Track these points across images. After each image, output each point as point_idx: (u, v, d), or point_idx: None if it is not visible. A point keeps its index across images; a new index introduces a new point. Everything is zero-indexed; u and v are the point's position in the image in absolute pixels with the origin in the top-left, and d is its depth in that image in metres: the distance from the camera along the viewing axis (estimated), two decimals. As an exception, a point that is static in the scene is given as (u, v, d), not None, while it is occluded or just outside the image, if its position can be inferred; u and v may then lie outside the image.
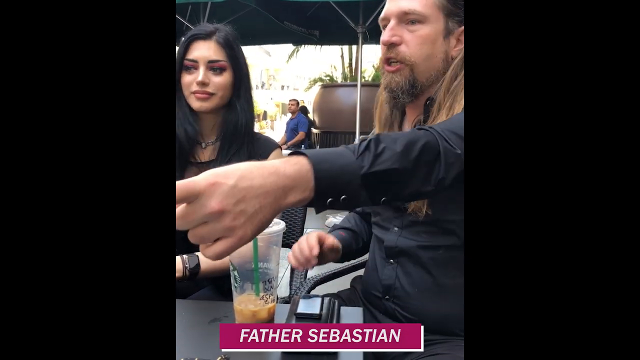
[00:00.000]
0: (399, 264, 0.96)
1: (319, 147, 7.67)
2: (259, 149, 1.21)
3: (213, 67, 1.15)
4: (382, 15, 0.95)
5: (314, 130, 7.71)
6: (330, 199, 0.59)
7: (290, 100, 8.19)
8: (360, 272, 1.26)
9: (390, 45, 0.92)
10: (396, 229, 0.97)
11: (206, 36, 1.16)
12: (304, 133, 7.61)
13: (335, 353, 0.71)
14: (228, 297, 0.90)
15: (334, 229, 1.17)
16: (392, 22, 0.92)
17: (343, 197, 0.59)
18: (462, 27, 0.91)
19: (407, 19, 0.90)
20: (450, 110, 0.88)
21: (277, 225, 0.80)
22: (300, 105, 8.33)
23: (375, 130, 1.07)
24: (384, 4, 0.95)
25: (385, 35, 0.92)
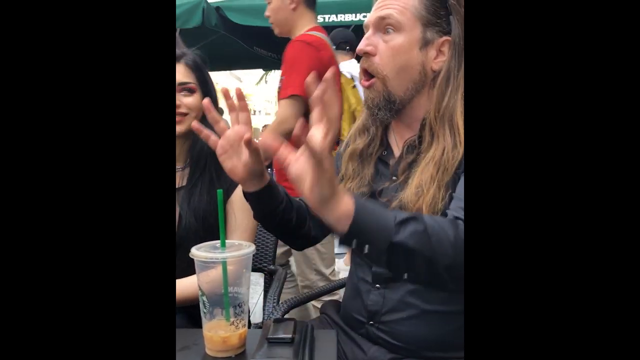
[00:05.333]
0: (387, 289, 0.93)
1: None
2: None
3: (183, 88, 1.16)
4: (365, 22, 0.93)
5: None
6: (356, 243, 0.69)
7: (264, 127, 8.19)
8: (331, 297, 1.25)
9: (365, 55, 0.90)
10: None
11: (175, 59, 1.16)
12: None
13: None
14: (198, 324, 0.87)
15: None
16: (370, 31, 0.90)
17: (367, 247, 0.69)
18: (444, 38, 0.88)
19: (384, 25, 0.88)
20: (444, 138, 0.85)
21: (247, 248, 0.78)
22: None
23: (350, 132, 1.03)
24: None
25: (360, 44, 0.90)
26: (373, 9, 0.92)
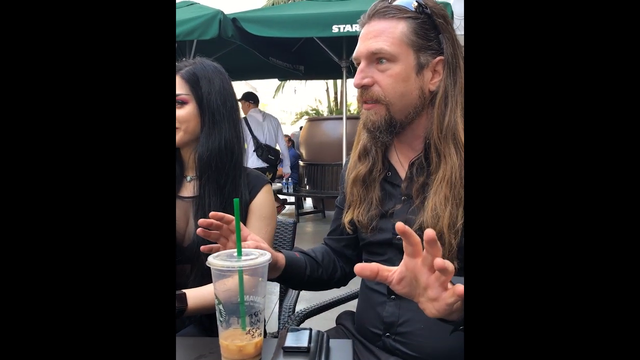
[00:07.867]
0: (402, 300, 0.91)
1: (306, 179, 7.70)
2: (250, 184, 1.21)
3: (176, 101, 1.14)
4: (354, 54, 0.92)
5: (301, 163, 7.74)
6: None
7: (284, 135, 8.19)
8: (347, 306, 1.24)
9: (363, 87, 0.90)
10: None
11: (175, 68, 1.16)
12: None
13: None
14: (212, 334, 0.87)
15: (294, 250, 1.09)
16: (362, 64, 0.90)
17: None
18: (438, 58, 0.89)
19: (376, 58, 0.88)
20: (451, 157, 0.86)
21: (263, 257, 0.78)
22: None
23: (351, 157, 1.04)
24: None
25: (356, 78, 0.90)
26: (360, 40, 0.91)
